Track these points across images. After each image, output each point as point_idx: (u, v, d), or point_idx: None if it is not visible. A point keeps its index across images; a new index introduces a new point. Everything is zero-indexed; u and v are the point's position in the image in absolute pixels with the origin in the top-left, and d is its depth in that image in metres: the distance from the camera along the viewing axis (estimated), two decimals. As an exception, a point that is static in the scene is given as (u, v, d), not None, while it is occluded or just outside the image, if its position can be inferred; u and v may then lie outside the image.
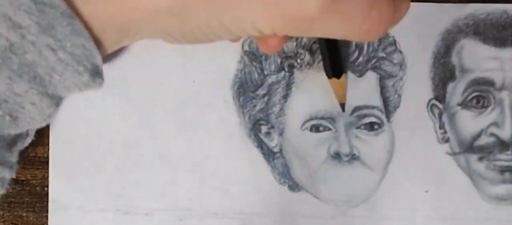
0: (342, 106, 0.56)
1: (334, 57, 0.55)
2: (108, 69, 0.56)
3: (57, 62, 0.34)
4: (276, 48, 0.41)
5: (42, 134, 0.56)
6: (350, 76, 0.56)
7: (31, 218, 0.56)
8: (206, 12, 0.35)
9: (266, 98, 0.57)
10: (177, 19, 0.36)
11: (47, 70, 0.34)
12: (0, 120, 0.34)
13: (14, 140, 0.37)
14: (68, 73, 0.34)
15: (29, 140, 0.39)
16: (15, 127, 0.35)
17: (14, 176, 0.38)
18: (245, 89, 0.57)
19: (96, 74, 0.35)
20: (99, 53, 0.35)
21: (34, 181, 0.56)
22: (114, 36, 0.36)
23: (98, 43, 0.36)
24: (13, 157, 0.38)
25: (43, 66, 0.34)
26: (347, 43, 0.56)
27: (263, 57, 0.56)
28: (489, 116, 0.56)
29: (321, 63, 0.56)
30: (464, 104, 0.56)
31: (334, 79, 0.55)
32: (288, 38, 0.40)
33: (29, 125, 0.35)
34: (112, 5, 0.35)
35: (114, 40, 0.37)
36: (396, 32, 0.56)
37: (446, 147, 0.56)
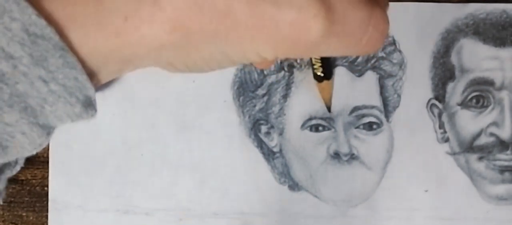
0: (329, 108, 0.56)
1: (326, 60, 0.54)
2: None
3: (48, 93, 0.34)
4: (270, 65, 0.42)
5: (42, 134, 0.56)
6: (349, 75, 0.56)
7: (31, 218, 0.56)
8: (210, 46, 0.36)
9: (265, 98, 0.57)
10: (181, 53, 0.36)
11: (39, 101, 0.34)
12: None
13: (1, 169, 0.37)
14: (59, 104, 0.34)
15: (18, 168, 0.38)
16: (4, 156, 0.34)
17: (0, 203, 0.38)
18: (245, 89, 0.57)
19: (89, 105, 0.35)
20: (92, 86, 0.35)
21: (34, 181, 0.56)
22: (115, 67, 0.36)
23: (95, 74, 0.36)
24: (0, 184, 0.38)
25: (35, 97, 0.33)
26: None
27: (263, 57, 0.56)
28: (488, 116, 0.56)
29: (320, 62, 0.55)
30: (463, 104, 0.56)
31: (325, 82, 0.55)
32: None
33: (19, 154, 0.35)
34: (114, 40, 0.34)
35: (115, 71, 0.37)
36: (395, 32, 0.56)
37: (445, 146, 0.56)
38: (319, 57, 0.54)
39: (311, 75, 0.56)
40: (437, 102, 0.56)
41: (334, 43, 0.37)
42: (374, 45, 0.38)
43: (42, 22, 0.33)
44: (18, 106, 0.33)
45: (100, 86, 0.36)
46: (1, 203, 0.38)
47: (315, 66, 0.54)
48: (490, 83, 0.56)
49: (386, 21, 0.38)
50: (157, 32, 0.34)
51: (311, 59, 0.54)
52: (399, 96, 0.56)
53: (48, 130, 0.35)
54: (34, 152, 0.35)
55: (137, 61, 0.36)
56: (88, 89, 0.34)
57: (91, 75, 0.35)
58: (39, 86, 0.33)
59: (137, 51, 0.35)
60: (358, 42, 0.37)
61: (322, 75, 0.54)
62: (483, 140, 0.56)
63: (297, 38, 0.35)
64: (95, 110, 0.35)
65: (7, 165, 0.37)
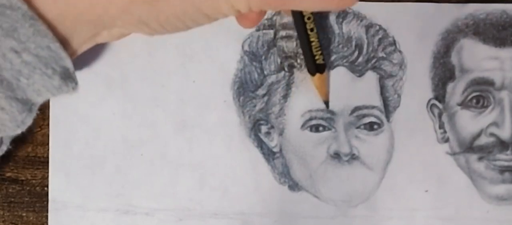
0: (327, 103, 0.56)
1: (319, 51, 0.54)
2: (108, 69, 0.56)
3: (22, 64, 0.33)
4: (256, 22, 0.41)
5: (42, 134, 0.56)
6: (349, 76, 0.56)
7: (31, 218, 0.56)
8: (182, 0, 0.35)
9: (266, 98, 0.57)
10: (152, 8, 0.35)
11: (13, 73, 0.33)
12: None
13: None
14: (36, 76, 0.33)
15: (4, 148, 0.38)
16: None
17: None
18: (245, 89, 0.57)
19: (68, 77, 0.34)
20: (67, 55, 0.34)
21: (34, 181, 0.56)
22: (87, 32, 0.36)
23: (69, 42, 0.35)
24: None
25: (8, 69, 0.33)
26: (340, 40, 0.56)
27: (263, 57, 0.56)
28: (488, 116, 0.56)
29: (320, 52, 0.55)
30: (464, 104, 0.56)
31: (317, 75, 0.54)
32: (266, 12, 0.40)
33: (1, 131, 0.35)
34: (83, 1, 0.34)
35: (88, 37, 0.36)
36: (395, 32, 0.56)
37: (446, 147, 0.56)
38: (317, 47, 0.53)
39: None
40: (437, 102, 0.56)
41: None
42: (347, 0, 0.38)
43: None
44: None
45: (78, 63, 0.35)
46: None
47: (306, 58, 0.54)
48: (490, 83, 0.56)
49: None
50: None
51: (303, 51, 0.54)
52: (399, 96, 0.56)
53: (29, 106, 0.34)
54: (18, 131, 0.35)
55: (108, 23, 0.36)
56: (63, 59, 0.34)
57: (64, 43, 0.35)
58: (11, 57, 0.33)
59: (107, 10, 0.35)
60: None
61: (314, 67, 0.54)
62: (483, 140, 0.56)
63: None
64: (76, 83, 0.35)
65: None
